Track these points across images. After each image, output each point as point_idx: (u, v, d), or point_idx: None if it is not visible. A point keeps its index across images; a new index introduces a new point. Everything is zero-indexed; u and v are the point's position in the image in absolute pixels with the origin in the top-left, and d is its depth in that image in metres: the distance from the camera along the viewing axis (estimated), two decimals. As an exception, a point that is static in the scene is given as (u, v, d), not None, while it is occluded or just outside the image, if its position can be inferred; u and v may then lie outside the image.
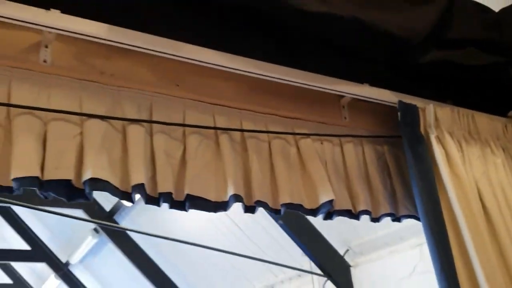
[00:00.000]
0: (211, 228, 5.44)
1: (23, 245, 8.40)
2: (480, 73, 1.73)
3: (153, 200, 1.25)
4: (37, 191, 1.14)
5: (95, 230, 6.86)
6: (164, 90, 1.35)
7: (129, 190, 1.20)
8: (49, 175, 1.10)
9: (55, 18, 1.16)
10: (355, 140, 1.63)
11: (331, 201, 1.44)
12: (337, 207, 1.49)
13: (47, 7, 1.15)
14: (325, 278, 4.70)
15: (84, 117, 1.20)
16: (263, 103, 1.49)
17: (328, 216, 1.52)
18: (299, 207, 1.42)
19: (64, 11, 1.17)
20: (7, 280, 10.07)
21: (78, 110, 1.20)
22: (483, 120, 1.76)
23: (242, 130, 1.41)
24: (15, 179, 1.06)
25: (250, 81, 1.44)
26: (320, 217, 1.50)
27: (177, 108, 1.36)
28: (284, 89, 1.51)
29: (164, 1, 1.34)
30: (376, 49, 1.53)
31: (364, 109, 1.68)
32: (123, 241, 6.80)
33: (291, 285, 5.55)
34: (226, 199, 1.31)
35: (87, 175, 1.13)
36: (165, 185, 1.25)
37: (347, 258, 4.71)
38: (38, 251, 8.66)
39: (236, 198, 1.31)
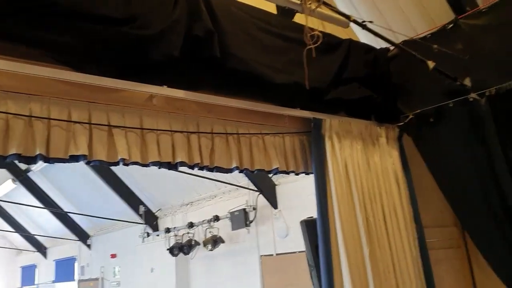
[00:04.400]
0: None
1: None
2: (356, 101, 3.34)
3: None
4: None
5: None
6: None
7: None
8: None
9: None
10: (290, 135, 3.20)
11: (277, 168, 3.04)
12: (280, 168, 3.10)
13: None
14: (258, 192, 6.34)
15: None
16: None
17: (271, 172, 3.13)
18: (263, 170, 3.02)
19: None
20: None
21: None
22: (354, 123, 3.39)
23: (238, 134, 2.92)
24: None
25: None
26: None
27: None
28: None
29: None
30: (305, 96, 3.05)
31: (298, 119, 3.24)
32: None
33: (230, 195, 7.16)
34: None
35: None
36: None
37: (273, 179, 6.38)
38: (-2, 160, 9.36)
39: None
